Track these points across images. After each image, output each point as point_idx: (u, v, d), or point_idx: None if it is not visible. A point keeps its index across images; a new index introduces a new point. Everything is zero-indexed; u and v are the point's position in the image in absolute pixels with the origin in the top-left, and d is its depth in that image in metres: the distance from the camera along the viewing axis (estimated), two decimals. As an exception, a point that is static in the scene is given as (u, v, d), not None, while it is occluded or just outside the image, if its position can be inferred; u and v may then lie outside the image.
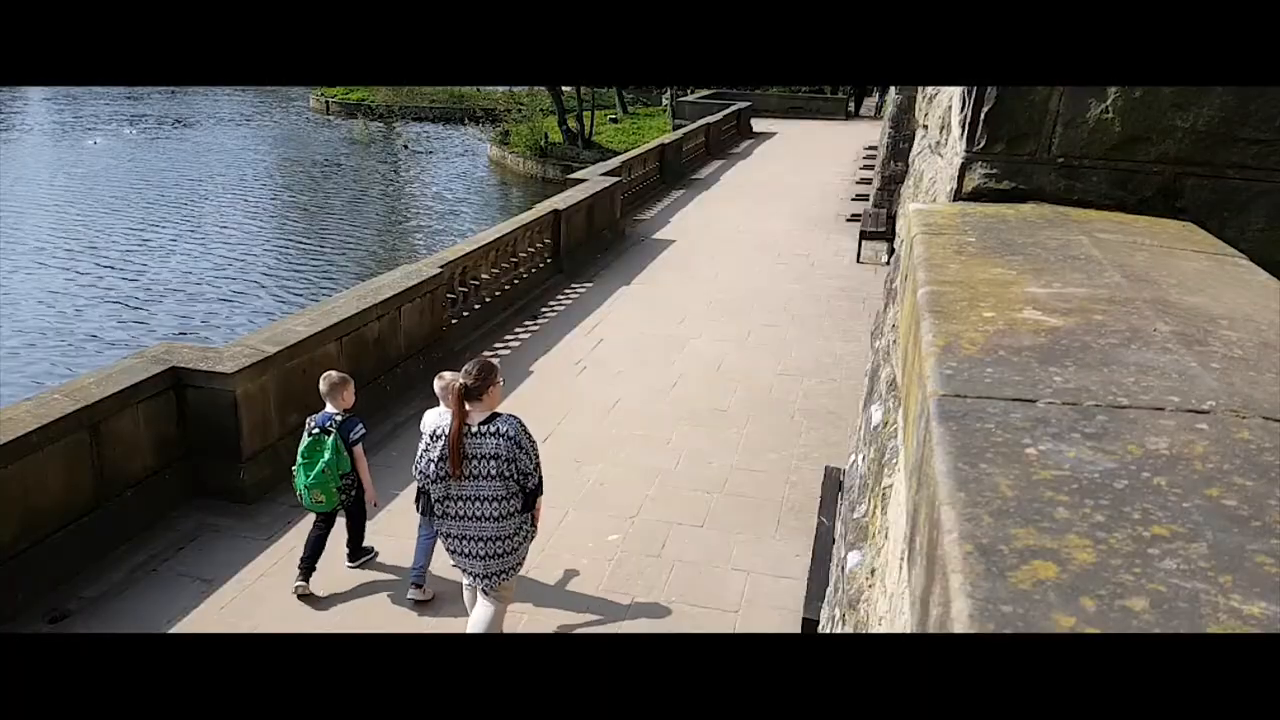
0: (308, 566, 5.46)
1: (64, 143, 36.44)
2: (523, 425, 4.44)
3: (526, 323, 10.71)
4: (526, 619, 5.26)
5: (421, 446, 4.46)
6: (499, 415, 4.39)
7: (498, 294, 10.89)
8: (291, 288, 19.04)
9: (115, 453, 5.93)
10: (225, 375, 6.30)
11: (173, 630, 5.13)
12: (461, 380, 4.32)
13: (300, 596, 5.42)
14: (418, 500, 4.51)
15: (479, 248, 10.47)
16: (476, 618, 4.67)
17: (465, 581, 4.82)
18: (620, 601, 5.45)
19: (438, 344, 9.12)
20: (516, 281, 11.39)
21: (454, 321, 9.76)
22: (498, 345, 9.91)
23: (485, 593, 4.61)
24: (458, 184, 31.72)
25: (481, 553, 4.43)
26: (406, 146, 38.22)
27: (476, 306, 10.41)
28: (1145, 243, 2.64)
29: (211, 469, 6.49)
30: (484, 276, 10.60)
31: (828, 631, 3.54)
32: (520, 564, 4.62)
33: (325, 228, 24.49)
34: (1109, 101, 2.91)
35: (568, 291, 11.93)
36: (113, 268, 19.57)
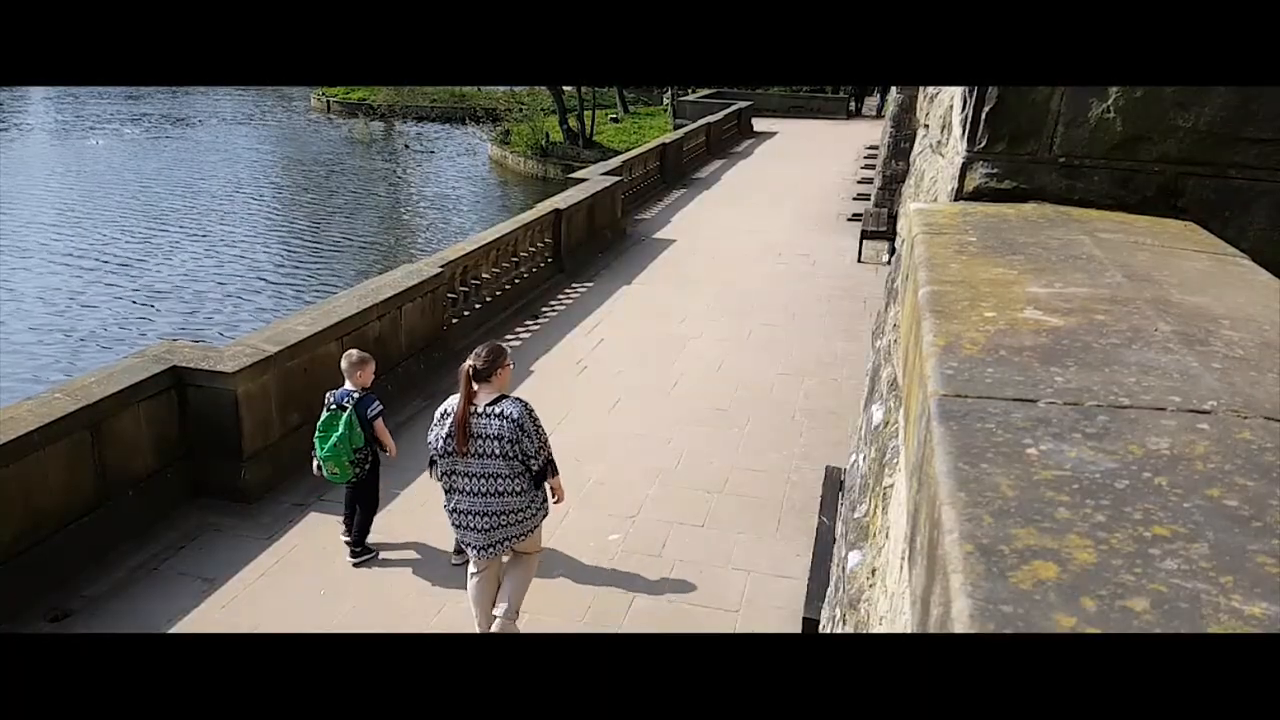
0: (350, 521, 5.87)
1: (66, 142, 36.44)
2: (528, 408, 4.57)
3: (527, 322, 10.71)
4: (527, 619, 5.26)
5: (433, 421, 4.65)
6: (506, 397, 4.56)
7: (498, 293, 10.89)
8: (292, 287, 19.04)
9: (116, 452, 5.93)
10: (226, 375, 6.30)
11: (174, 629, 5.13)
12: (471, 362, 4.51)
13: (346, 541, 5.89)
14: (430, 468, 4.80)
15: (480, 247, 10.47)
16: (509, 575, 4.88)
17: (471, 569, 4.90)
18: (620, 601, 5.45)
19: (438, 343, 9.12)
20: (517, 281, 11.38)
21: (455, 321, 9.76)
22: (498, 345, 9.90)
23: (515, 551, 4.81)
24: (458, 183, 31.69)
25: (481, 526, 4.59)
26: (407, 146, 38.20)
27: (477, 306, 10.41)
28: (1147, 242, 2.64)
29: (213, 468, 6.49)
30: (485, 276, 10.59)
31: (828, 631, 3.54)
32: (529, 532, 4.73)
33: (326, 227, 24.48)
34: (1110, 101, 2.91)
35: (568, 291, 11.93)
36: (114, 266, 19.58)
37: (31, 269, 19.22)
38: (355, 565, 5.76)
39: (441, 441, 4.53)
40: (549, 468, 4.69)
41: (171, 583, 5.57)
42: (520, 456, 4.51)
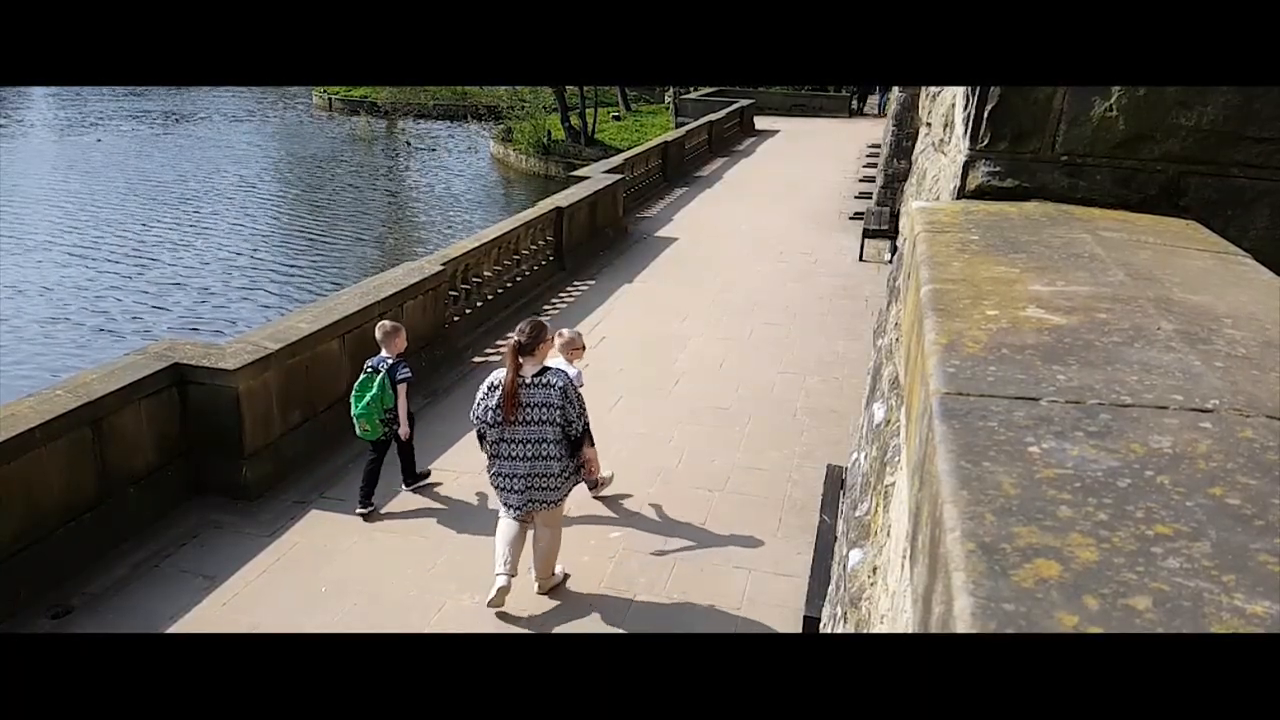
0: (366, 494, 6.35)
1: (68, 138, 36.43)
2: (569, 378, 5.02)
3: (529, 320, 10.70)
4: (527, 616, 5.26)
5: (480, 395, 5.05)
6: (549, 369, 5.02)
7: (500, 291, 10.88)
8: (294, 284, 19.04)
9: (117, 449, 5.93)
10: (227, 372, 6.30)
11: (174, 627, 5.13)
12: (515, 338, 4.96)
13: (363, 517, 6.33)
14: (481, 442, 5.17)
15: (481, 245, 10.46)
16: (538, 540, 5.33)
17: (500, 526, 5.19)
18: (621, 600, 5.44)
19: (440, 341, 9.12)
20: (518, 279, 11.37)
21: (456, 319, 9.75)
22: (500, 343, 9.88)
23: (543, 522, 5.27)
24: (460, 181, 31.68)
25: (521, 487, 5.06)
26: (409, 143, 38.17)
27: (478, 304, 10.40)
28: (1149, 241, 2.63)
29: (214, 466, 6.49)
30: (486, 274, 10.58)
31: (829, 630, 3.54)
32: (561, 498, 5.19)
33: (328, 225, 24.48)
34: (1113, 100, 2.90)
35: (569, 289, 11.92)
36: (116, 264, 19.59)
37: (35, 265, 19.23)
38: (411, 489, 6.55)
39: (491, 412, 4.95)
40: (586, 436, 5.07)
41: (172, 580, 5.58)
42: (563, 423, 4.94)
